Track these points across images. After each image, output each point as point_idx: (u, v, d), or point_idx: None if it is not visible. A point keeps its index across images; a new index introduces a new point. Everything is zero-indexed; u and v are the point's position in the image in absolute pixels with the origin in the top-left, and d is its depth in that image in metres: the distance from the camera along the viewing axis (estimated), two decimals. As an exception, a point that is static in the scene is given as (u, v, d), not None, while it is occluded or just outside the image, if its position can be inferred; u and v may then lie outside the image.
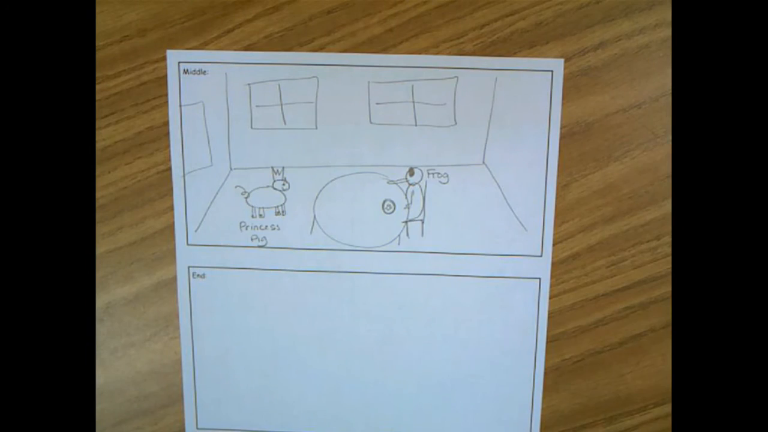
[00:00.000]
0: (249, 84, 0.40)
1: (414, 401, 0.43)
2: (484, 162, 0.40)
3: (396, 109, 0.40)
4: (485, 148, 0.40)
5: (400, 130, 0.40)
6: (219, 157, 0.41)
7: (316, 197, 0.41)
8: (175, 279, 0.42)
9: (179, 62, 0.40)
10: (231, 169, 0.41)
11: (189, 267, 0.42)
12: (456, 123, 0.40)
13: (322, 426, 0.44)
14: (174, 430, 0.45)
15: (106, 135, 0.41)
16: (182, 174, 0.41)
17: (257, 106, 0.41)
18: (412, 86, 0.40)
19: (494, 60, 0.39)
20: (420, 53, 0.39)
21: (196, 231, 0.42)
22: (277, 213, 0.42)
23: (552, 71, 0.39)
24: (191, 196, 0.42)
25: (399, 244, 0.42)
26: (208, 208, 0.42)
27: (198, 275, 0.42)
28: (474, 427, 0.44)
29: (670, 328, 0.42)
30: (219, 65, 0.40)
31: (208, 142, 0.41)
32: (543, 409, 0.43)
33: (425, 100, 0.40)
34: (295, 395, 0.44)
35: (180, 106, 0.41)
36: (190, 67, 0.40)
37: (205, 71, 0.40)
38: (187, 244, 0.42)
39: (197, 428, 0.44)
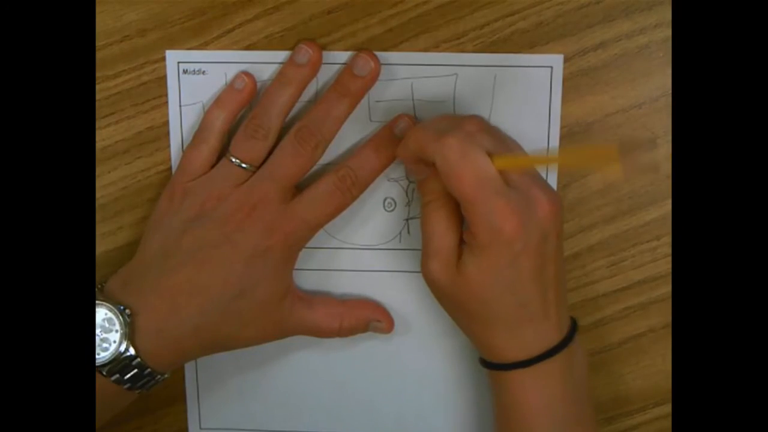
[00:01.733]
0: (248, 83, 0.40)
1: (416, 399, 0.43)
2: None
3: (396, 106, 0.40)
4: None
5: (401, 128, 0.40)
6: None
7: (317, 196, 0.41)
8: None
9: (178, 62, 0.40)
10: (231, 168, 0.41)
11: None
12: (456, 120, 0.40)
13: (326, 424, 0.44)
14: (174, 430, 0.45)
15: (106, 135, 0.41)
16: (182, 174, 0.41)
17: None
18: (412, 84, 0.40)
19: (493, 57, 0.39)
20: (425, 52, 0.39)
21: (196, 231, 0.42)
22: (278, 212, 0.42)
23: (551, 67, 0.39)
24: (192, 196, 0.42)
25: (400, 241, 0.42)
26: (209, 207, 0.42)
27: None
28: (476, 424, 0.43)
29: (670, 328, 0.42)
30: (218, 65, 0.40)
31: (209, 142, 0.41)
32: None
33: (425, 98, 0.40)
34: (298, 393, 0.44)
35: (180, 106, 0.41)
36: (190, 67, 0.40)
37: (204, 71, 0.40)
38: None
39: (200, 428, 0.44)
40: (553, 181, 0.40)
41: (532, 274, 0.34)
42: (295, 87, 0.39)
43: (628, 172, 0.26)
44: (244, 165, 0.38)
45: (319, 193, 0.38)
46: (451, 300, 0.36)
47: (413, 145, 0.35)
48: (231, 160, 0.38)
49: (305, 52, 0.38)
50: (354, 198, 0.38)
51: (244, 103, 0.40)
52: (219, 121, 0.39)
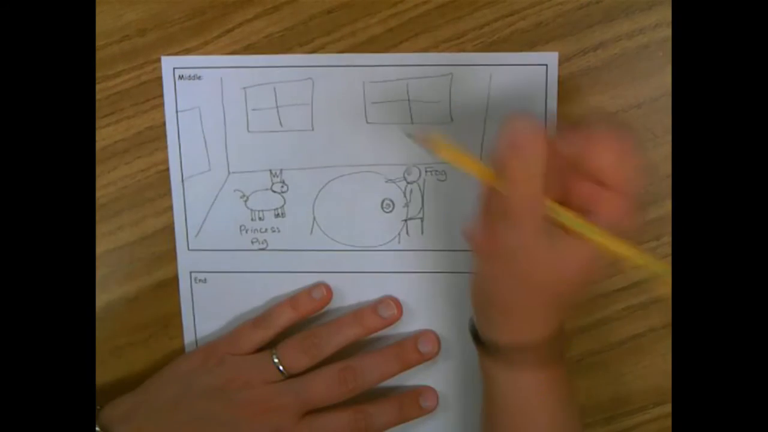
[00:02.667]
0: (244, 87, 0.40)
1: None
2: (481, 158, 0.40)
3: (392, 107, 0.40)
4: (482, 145, 0.40)
5: (397, 129, 0.40)
6: (217, 161, 0.41)
7: (315, 198, 0.41)
8: (175, 279, 0.43)
9: (174, 68, 0.40)
10: (229, 173, 0.41)
11: (191, 272, 0.42)
12: (452, 120, 0.40)
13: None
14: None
15: (106, 135, 0.41)
16: (180, 180, 0.41)
17: (253, 109, 0.41)
18: (407, 84, 0.40)
19: (488, 56, 0.39)
20: (420, 53, 0.39)
21: (196, 236, 0.42)
22: (277, 215, 0.42)
23: (546, 65, 0.39)
24: (190, 201, 0.42)
25: (399, 242, 0.42)
26: (208, 212, 0.42)
27: (200, 280, 0.43)
28: (478, 423, 0.43)
29: (670, 328, 0.41)
30: (214, 70, 0.40)
31: (206, 147, 0.41)
32: (543, 409, 0.43)
33: (421, 98, 0.40)
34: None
35: (176, 111, 0.41)
36: (185, 72, 0.40)
37: (200, 76, 0.40)
38: (188, 249, 0.42)
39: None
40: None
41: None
42: (364, 332, 0.41)
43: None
44: (281, 368, 0.39)
45: (336, 423, 0.39)
46: (518, 268, 0.33)
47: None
48: (273, 360, 0.40)
49: (390, 307, 0.41)
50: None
51: (315, 312, 0.42)
52: (284, 318, 0.41)
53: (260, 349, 0.41)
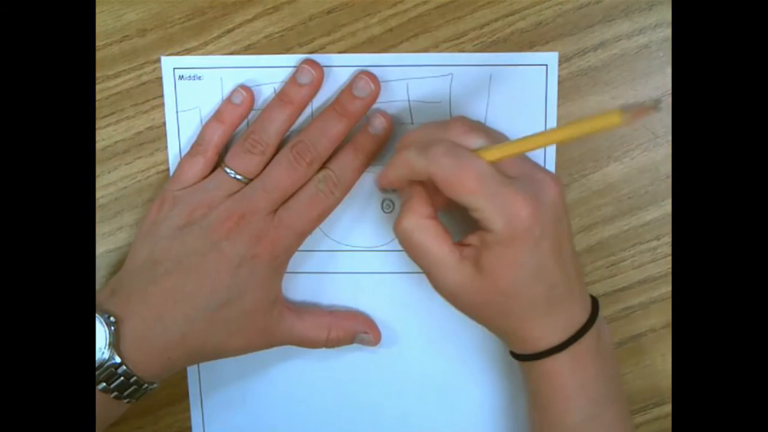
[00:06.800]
0: (245, 88, 0.40)
1: (418, 401, 0.43)
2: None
3: (391, 108, 0.40)
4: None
5: (397, 129, 0.40)
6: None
7: (316, 198, 0.41)
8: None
9: (174, 68, 0.40)
10: (229, 173, 0.41)
11: None
12: (453, 120, 0.40)
13: (328, 427, 0.44)
14: (174, 430, 0.45)
15: (106, 135, 0.41)
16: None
17: (254, 109, 0.41)
18: (407, 85, 0.40)
19: (488, 56, 0.39)
20: (419, 53, 0.39)
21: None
22: (278, 215, 0.42)
23: (546, 65, 0.39)
24: (191, 201, 0.42)
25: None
26: (208, 213, 0.42)
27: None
28: (479, 422, 0.43)
29: (670, 328, 0.42)
30: (214, 70, 0.40)
31: (206, 147, 0.41)
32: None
33: (421, 99, 0.40)
34: (299, 396, 0.44)
35: (176, 112, 0.41)
36: (186, 73, 0.40)
37: (200, 76, 0.40)
38: None
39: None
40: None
41: (553, 256, 0.33)
42: (295, 106, 0.39)
43: (629, 121, 0.26)
44: (238, 176, 0.38)
45: (303, 198, 0.38)
46: (477, 304, 0.35)
47: (403, 169, 0.35)
48: (225, 171, 0.38)
49: (308, 73, 0.39)
50: (338, 200, 0.39)
51: (242, 117, 0.40)
52: (217, 135, 0.39)
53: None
